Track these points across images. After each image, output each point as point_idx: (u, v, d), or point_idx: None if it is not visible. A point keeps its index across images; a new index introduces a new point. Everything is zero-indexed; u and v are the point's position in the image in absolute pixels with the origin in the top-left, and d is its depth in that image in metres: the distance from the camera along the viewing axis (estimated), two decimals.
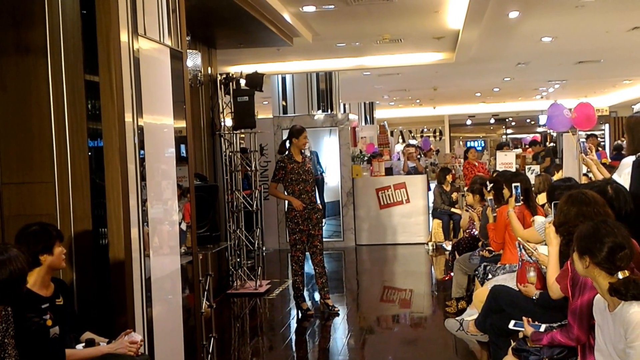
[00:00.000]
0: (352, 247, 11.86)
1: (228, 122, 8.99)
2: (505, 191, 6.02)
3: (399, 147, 19.36)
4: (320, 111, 12.71)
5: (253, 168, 9.07)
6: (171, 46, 4.72)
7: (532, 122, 32.73)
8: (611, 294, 2.84)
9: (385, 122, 22.94)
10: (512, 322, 3.99)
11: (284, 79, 12.88)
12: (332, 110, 12.84)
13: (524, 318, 3.87)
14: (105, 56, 3.93)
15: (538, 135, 25.99)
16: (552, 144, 18.98)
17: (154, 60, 4.46)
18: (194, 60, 7.46)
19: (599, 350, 3.07)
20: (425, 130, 31.54)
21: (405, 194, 11.93)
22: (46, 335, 3.46)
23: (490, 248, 6.29)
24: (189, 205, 5.05)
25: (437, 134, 31.50)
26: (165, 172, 4.57)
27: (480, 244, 6.95)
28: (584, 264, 2.95)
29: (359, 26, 9.57)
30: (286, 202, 7.31)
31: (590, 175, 5.87)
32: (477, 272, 6.08)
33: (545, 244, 4.11)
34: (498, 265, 5.83)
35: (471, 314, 5.31)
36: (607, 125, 23.56)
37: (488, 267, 5.88)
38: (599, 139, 17.36)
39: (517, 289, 4.44)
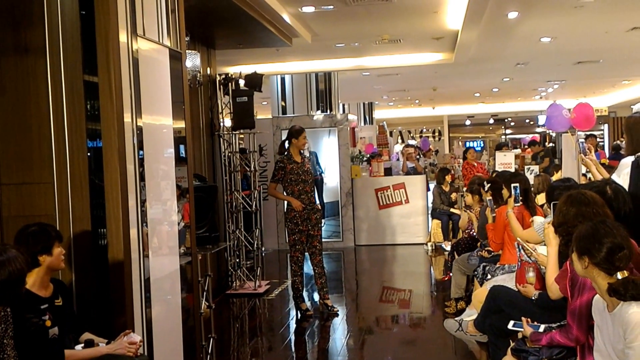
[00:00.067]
0: (351, 248, 11.86)
1: (227, 122, 8.99)
2: (505, 191, 6.03)
3: (398, 148, 19.36)
4: (319, 111, 12.71)
5: (252, 168, 9.06)
6: (170, 47, 4.72)
7: (531, 123, 32.73)
8: (610, 294, 2.84)
9: (385, 122, 22.94)
10: (511, 322, 3.99)
11: (283, 80, 12.88)
12: (331, 110, 12.84)
13: (523, 318, 3.87)
14: (104, 57, 3.93)
15: (537, 135, 25.99)
16: (551, 144, 18.99)
17: (153, 60, 4.46)
18: (193, 60, 7.46)
19: (598, 350, 3.07)
20: (424, 130, 31.55)
21: (405, 194, 11.93)
22: (45, 335, 3.46)
23: (489, 248, 6.30)
24: (188, 205, 5.05)
25: (436, 134, 31.50)
26: (164, 173, 4.57)
27: (479, 244, 6.95)
28: (583, 264, 2.95)
29: (358, 26, 9.57)
30: (285, 202, 7.31)
31: (589, 175, 5.87)
32: (476, 273, 6.09)
33: (545, 245, 4.11)
34: (497, 265, 5.83)
35: (470, 315, 5.31)
36: (606, 126, 23.59)
37: (487, 268, 5.88)
38: (598, 139, 17.38)
39: (516, 290, 4.44)
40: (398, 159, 15.91)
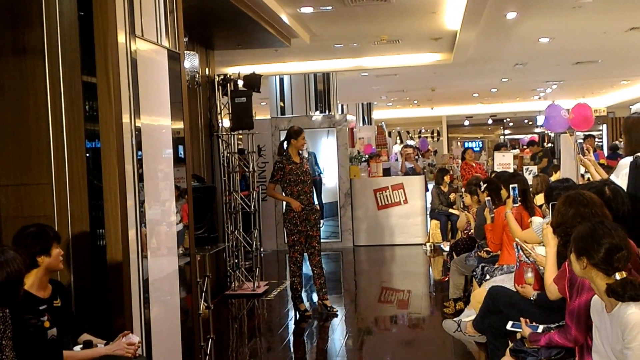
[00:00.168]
0: (350, 248, 11.86)
1: (226, 123, 8.98)
2: (503, 192, 6.03)
3: (397, 148, 19.38)
4: (318, 112, 12.71)
5: (251, 169, 9.06)
6: (169, 47, 4.72)
7: (530, 123, 32.76)
8: (609, 295, 2.84)
9: (383, 122, 22.97)
10: (510, 323, 3.99)
11: (281, 80, 12.87)
12: (329, 111, 12.83)
13: (521, 319, 3.87)
14: (103, 57, 3.93)
15: (535, 136, 26.02)
16: (549, 145, 19.01)
17: (151, 61, 4.46)
18: (191, 61, 7.46)
19: (596, 351, 3.07)
20: (423, 130, 31.59)
21: (403, 194, 11.93)
22: (44, 336, 3.46)
23: (488, 249, 6.30)
24: (186, 206, 5.05)
25: (435, 134, 31.53)
26: (163, 173, 4.56)
27: (477, 245, 6.95)
28: (581, 265, 2.95)
29: (356, 27, 9.57)
30: (284, 203, 7.30)
31: (588, 176, 5.87)
32: (474, 273, 6.08)
33: (543, 245, 4.11)
34: (496, 266, 5.83)
35: (469, 315, 5.31)
36: (604, 126, 23.58)
37: (486, 268, 5.88)
38: (596, 139, 17.39)
39: (515, 290, 4.44)
40: (397, 160, 15.92)
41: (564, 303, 3.59)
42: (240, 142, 10.23)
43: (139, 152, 4.16)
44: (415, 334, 6.78)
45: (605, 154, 14.88)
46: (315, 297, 7.75)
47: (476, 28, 9.34)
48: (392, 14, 8.85)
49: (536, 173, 9.24)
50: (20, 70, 4.09)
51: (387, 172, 12.70)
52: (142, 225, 4.16)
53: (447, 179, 11.27)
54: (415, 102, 25.05)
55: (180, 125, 4.96)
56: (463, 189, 9.29)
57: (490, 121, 32.96)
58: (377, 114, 23.96)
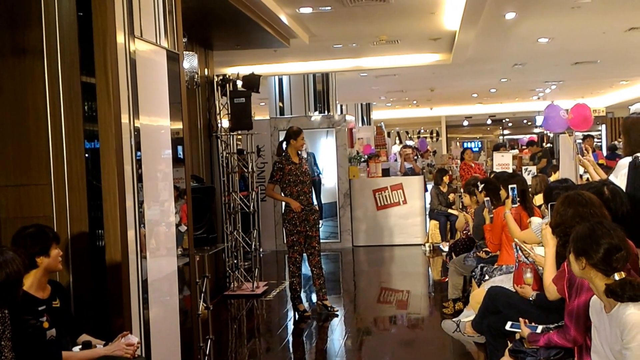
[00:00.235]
0: (349, 249, 11.86)
1: (225, 123, 8.98)
2: (502, 192, 6.03)
3: (396, 148, 19.39)
4: (317, 112, 12.72)
5: (250, 169, 9.06)
6: (167, 48, 4.72)
7: (529, 123, 32.77)
8: (607, 295, 2.85)
9: (382, 123, 22.97)
10: (509, 323, 3.99)
11: (280, 80, 12.87)
12: (329, 111, 12.83)
13: (520, 319, 3.87)
14: (102, 58, 3.93)
15: (534, 136, 26.03)
16: (548, 145, 19.03)
17: (150, 62, 4.46)
18: (190, 61, 7.46)
19: (595, 351, 3.07)
20: (422, 131, 31.60)
21: (402, 195, 11.93)
22: (43, 337, 3.46)
23: (487, 249, 6.30)
24: (185, 206, 5.05)
25: (434, 135, 31.54)
26: (162, 174, 4.56)
27: (475, 245, 6.95)
28: (580, 265, 2.96)
29: (355, 27, 9.58)
30: (283, 203, 7.30)
31: (587, 176, 5.87)
32: (473, 274, 6.08)
33: (542, 245, 4.11)
34: (495, 266, 5.83)
35: (468, 315, 5.31)
36: (603, 126, 23.62)
37: (485, 269, 5.88)
38: (595, 140, 17.40)
39: (514, 290, 4.44)
40: (396, 160, 15.92)
41: (563, 303, 3.59)
42: (239, 143, 10.24)
43: (138, 153, 4.16)
44: (415, 334, 6.78)
45: (604, 154, 14.90)
46: (314, 298, 7.75)
47: (475, 28, 9.34)
48: (391, 15, 8.86)
49: (535, 173, 9.25)
50: (20, 70, 4.09)
51: (386, 173, 12.70)
52: (141, 226, 4.16)
53: (446, 179, 11.27)
54: (414, 102, 25.06)
55: (179, 125, 4.96)
56: (462, 190, 9.29)
57: (489, 121, 32.97)
58: (376, 114, 23.96)
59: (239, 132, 8.98)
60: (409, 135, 30.33)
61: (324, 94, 12.95)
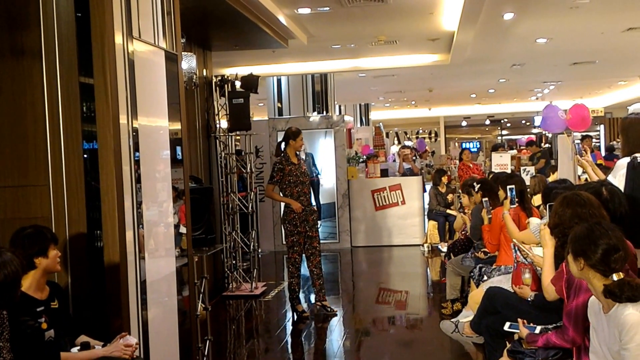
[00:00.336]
0: (348, 249, 11.86)
1: (223, 124, 8.98)
2: (501, 193, 6.03)
3: (395, 149, 19.41)
4: (315, 113, 12.72)
5: (248, 170, 9.06)
6: (166, 48, 4.72)
7: (527, 124, 32.80)
8: (606, 295, 2.84)
9: (381, 123, 23.01)
10: (508, 323, 3.99)
11: (279, 81, 12.87)
12: (327, 112, 12.83)
13: (519, 320, 3.87)
14: (100, 59, 3.93)
15: (533, 136, 26.05)
16: (547, 145, 19.03)
17: (148, 62, 4.46)
18: (189, 62, 7.45)
19: (594, 352, 3.07)
20: (420, 131, 31.61)
21: (401, 195, 11.93)
22: (41, 338, 3.46)
23: (486, 250, 6.30)
24: (184, 207, 5.05)
25: (433, 135, 31.56)
26: (160, 175, 4.56)
27: (473, 245, 6.95)
28: (578, 265, 2.96)
29: (354, 28, 9.58)
30: (282, 204, 7.29)
31: (585, 176, 5.87)
32: (472, 274, 6.09)
33: (541, 246, 4.11)
34: (493, 266, 5.84)
35: (466, 316, 5.31)
36: (602, 127, 23.64)
37: (483, 269, 5.88)
38: (593, 140, 17.41)
39: (513, 291, 4.45)
40: (394, 160, 15.94)
41: (561, 304, 3.60)
42: (237, 143, 10.25)
43: (137, 153, 4.15)
44: (413, 334, 6.78)
45: (603, 155, 14.91)
46: (312, 298, 7.75)
47: (473, 29, 9.35)
48: (389, 15, 8.86)
49: (533, 174, 9.25)
50: (18, 71, 4.08)
51: (384, 173, 12.69)
52: (139, 227, 4.15)
53: (444, 179, 11.28)
54: (413, 102, 25.07)
55: (177, 126, 4.96)
56: (460, 190, 9.29)
57: (487, 122, 33.00)
58: (374, 115, 23.97)
59: (238, 132, 8.97)
60: (408, 136, 30.34)
61: (323, 95, 12.95)
